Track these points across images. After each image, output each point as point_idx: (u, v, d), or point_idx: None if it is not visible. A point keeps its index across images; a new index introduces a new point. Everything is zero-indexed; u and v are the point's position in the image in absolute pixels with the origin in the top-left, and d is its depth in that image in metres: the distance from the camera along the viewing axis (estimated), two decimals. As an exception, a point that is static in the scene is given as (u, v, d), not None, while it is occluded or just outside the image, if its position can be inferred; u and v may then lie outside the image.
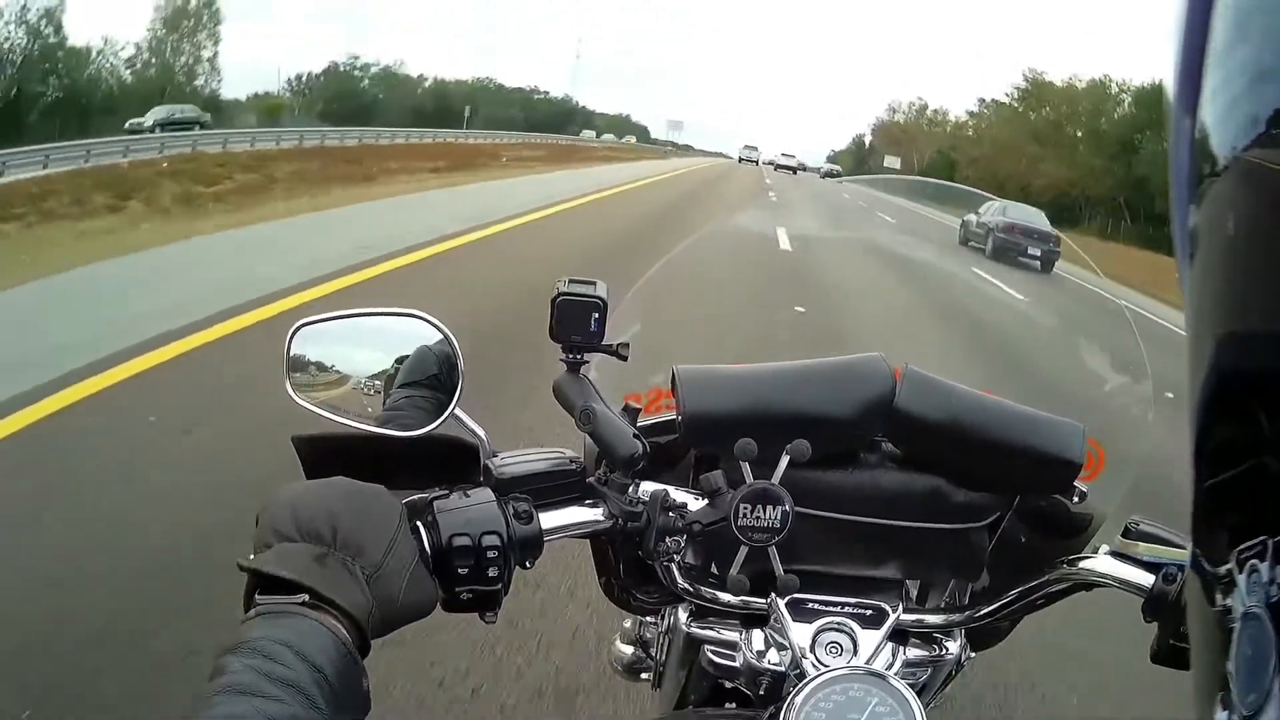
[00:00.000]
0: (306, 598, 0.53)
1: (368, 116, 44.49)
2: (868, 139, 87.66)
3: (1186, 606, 0.27)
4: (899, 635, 0.80)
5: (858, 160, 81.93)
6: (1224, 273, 0.24)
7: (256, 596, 0.54)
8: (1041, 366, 1.32)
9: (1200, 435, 0.25)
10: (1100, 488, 0.85)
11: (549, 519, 0.70)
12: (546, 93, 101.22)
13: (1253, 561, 0.23)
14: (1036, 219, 16.40)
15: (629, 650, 1.31)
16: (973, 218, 15.66)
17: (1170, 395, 0.83)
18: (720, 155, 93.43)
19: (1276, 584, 0.22)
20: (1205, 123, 0.24)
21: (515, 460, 0.73)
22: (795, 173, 57.65)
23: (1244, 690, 0.23)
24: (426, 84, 72.65)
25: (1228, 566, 0.24)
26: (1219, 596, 0.24)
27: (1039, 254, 12.21)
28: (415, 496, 0.66)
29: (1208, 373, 0.24)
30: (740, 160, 66.70)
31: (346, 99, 57.59)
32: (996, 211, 15.77)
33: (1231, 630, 0.24)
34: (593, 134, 75.27)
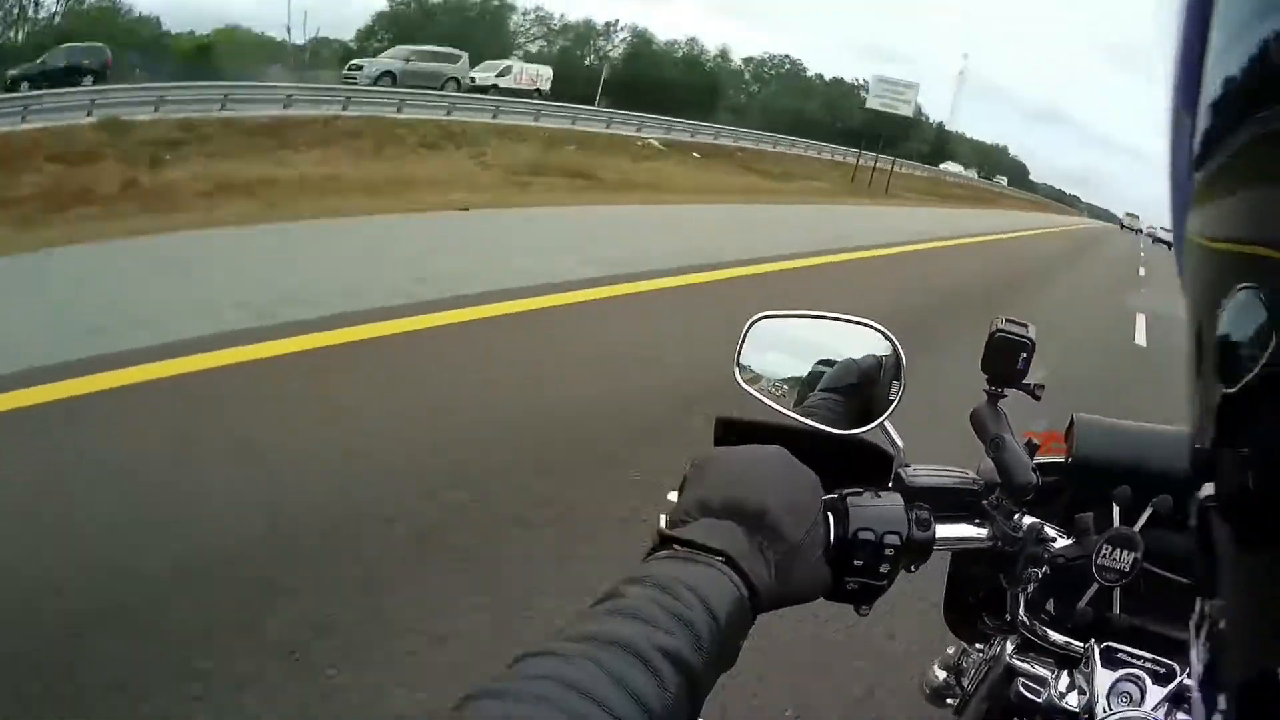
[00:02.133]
0: (724, 559, 0.58)
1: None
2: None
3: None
4: (1178, 699, 0.87)
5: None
6: (1221, 272, 0.25)
7: (675, 546, 0.60)
8: None
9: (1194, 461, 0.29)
10: None
11: (942, 530, 0.80)
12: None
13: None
14: None
15: (942, 675, 1.35)
16: None
17: None
18: (1112, 219, 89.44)
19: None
20: (1203, 122, 0.25)
21: (925, 473, 0.85)
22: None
23: None
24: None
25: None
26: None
27: None
28: (834, 493, 0.75)
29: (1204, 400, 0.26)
30: (1122, 227, 72.18)
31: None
32: None
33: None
34: (958, 166, 69.11)
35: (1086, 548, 0.83)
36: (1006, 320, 0.86)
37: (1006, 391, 0.87)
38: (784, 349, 0.89)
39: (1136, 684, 0.86)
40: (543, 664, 0.46)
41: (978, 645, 1.25)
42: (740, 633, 0.57)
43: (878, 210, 21.56)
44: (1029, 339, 0.85)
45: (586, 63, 48.63)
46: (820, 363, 0.89)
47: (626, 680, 0.46)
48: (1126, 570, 0.82)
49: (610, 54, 50.79)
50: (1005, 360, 0.85)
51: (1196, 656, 0.28)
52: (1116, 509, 0.83)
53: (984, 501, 0.86)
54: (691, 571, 0.56)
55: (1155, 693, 0.85)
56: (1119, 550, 0.82)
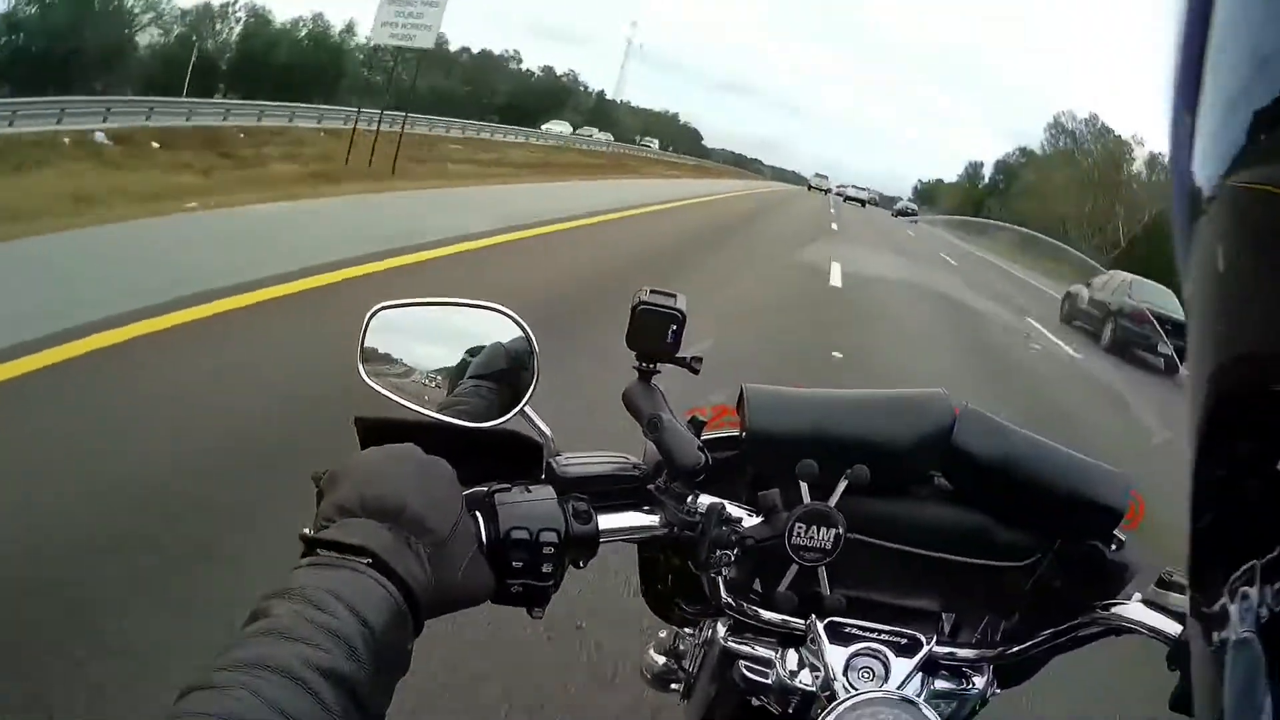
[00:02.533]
0: (369, 561, 0.57)
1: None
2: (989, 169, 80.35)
3: (1190, 652, 0.30)
4: (929, 666, 0.87)
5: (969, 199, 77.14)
6: (1224, 289, 0.26)
7: (318, 551, 0.58)
8: (1091, 416, 1.42)
9: (1196, 480, 0.27)
10: (1139, 538, 0.91)
11: (606, 521, 0.78)
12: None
13: (1243, 589, 0.24)
14: (1170, 304, 13.21)
15: (661, 660, 1.36)
16: (1082, 291, 13.35)
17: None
18: (800, 181, 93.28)
19: (1266, 605, 0.24)
20: (1205, 130, 0.26)
21: (579, 461, 0.81)
22: (864, 206, 58.47)
23: (1238, 717, 0.24)
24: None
25: (1221, 601, 0.25)
26: (1215, 634, 0.26)
27: (1169, 352, 10.23)
28: (477, 488, 0.72)
29: (1201, 410, 0.26)
30: (810, 188, 71.86)
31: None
32: (1118, 289, 12.83)
33: (1225, 662, 0.25)
34: (563, 126, 60.61)
35: (777, 527, 0.81)
36: (651, 291, 0.82)
37: (660, 368, 0.84)
38: (427, 338, 0.85)
39: (877, 658, 0.85)
40: (202, 700, 0.46)
41: (687, 630, 1.27)
42: (401, 636, 0.56)
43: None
44: (678, 310, 0.82)
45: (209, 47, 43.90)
46: (469, 351, 0.84)
47: (285, 707, 0.46)
48: (829, 548, 0.81)
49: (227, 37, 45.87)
50: (653, 334, 0.82)
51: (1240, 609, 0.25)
52: (804, 484, 0.81)
53: (651, 486, 0.83)
54: (338, 579, 0.55)
55: (901, 665, 0.85)
56: (816, 528, 0.80)
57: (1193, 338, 0.26)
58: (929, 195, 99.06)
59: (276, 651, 0.48)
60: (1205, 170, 0.25)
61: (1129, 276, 13.53)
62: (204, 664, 0.47)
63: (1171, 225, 0.28)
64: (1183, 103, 0.26)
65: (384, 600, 0.54)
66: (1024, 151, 68.84)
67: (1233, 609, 0.24)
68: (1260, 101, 0.23)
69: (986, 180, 76.04)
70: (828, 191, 65.75)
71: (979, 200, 72.00)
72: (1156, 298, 12.82)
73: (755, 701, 0.93)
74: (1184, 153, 0.26)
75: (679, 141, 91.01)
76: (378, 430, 0.73)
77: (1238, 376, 0.24)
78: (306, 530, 0.60)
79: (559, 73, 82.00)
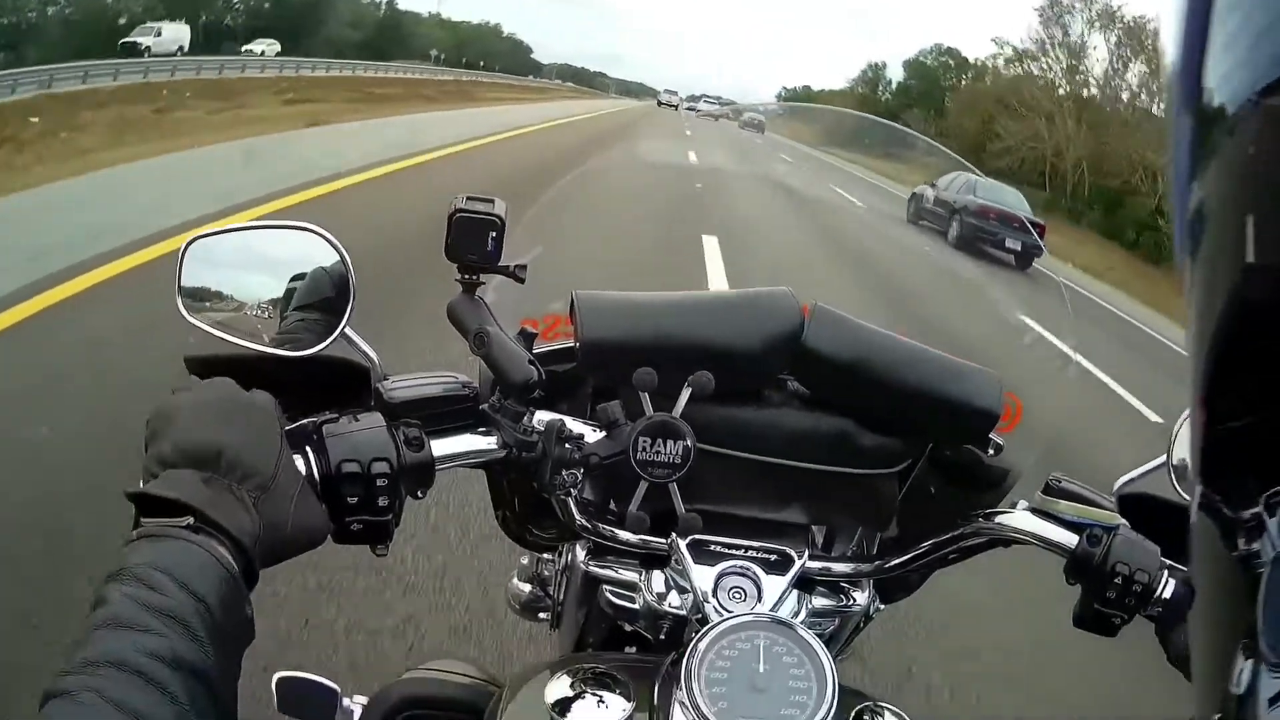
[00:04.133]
0: (191, 520, 0.56)
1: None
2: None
3: (1193, 558, 0.30)
4: (805, 584, 0.85)
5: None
6: (1236, 208, 0.26)
7: (141, 519, 0.57)
8: (961, 313, 1.36)
9: (1208, 381, 0.27)
10: (1017, 441, 0.89)
11: (441, 446, 0.75)
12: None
13: None
14: (1015, 203, 14.15)
15: (526, 588, 1.33)
16: (927, 191, 13.70)
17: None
18: (659, 97, 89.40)
19: None
20: (1207, 101, 0.26)
21: (407, 384, 0.77)
22: (716, 120, 60.76)
23: (1276, 636, 0.24)
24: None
25: (1254, 510, 0.26)
26: (1242, 541, 0.26)
27: (1018, 247, 10.67)
28: (305, 421, 0.70)
29: (1219, 318, 0.26)
30: (659, 104, 71.95)
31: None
32: (963, 188, 13.24)
33: (1259, 575, 0.25)
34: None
35: (620, 441, 0.78)
36: (468, 198, 0.78)
37: (484, 279, 0.80)
38: (247, 267, 0.82)
39: (748, 577, 0.82)
40: (58, 709, 0.46)
41: (547, 556, 1.23)
42: (238, 604, 0.55)
43: None
44: (496, 215, 0.77)
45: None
46: (294, 278, 0.81)
47: (129, 705, 0.46)
48: (678, 462, 0.77)
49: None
50: (473, 243, 0.78)
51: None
52: (645, 395, 0.77)
53: (484, 406, 0.79)
54: (166, 553, 0.53)
55: (773, 583, 0.82)
56: (662, 441, 0.77)
57: (1210, 243, 0.26)
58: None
59: (115, 644, 0.48)
60: (1229, 86, 0.24)
61: (973, 176, 14.01)
62: (59, 665, 0.47)
63: (1170, 143, 0.28)
64: (1183, 103, 0.26)
65: (214, 570, 0.53)
66: (945, 51, 56.57)
67: (1271, 523, 0.24)
68: (1261, 100, 0.23)
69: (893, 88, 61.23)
70: (676, 107, 66.28)
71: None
72: (999, 195, 13.44)
73: (628, 627, 0.90)
74: (1184, 152, 0.26)
75: (501, 58, 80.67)
76: (206, 367, 0.71)
77: (1259, 286, 0.24)
78: (128, 488, 0.58)
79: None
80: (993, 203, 12.64)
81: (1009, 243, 11.20)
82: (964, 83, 49.89)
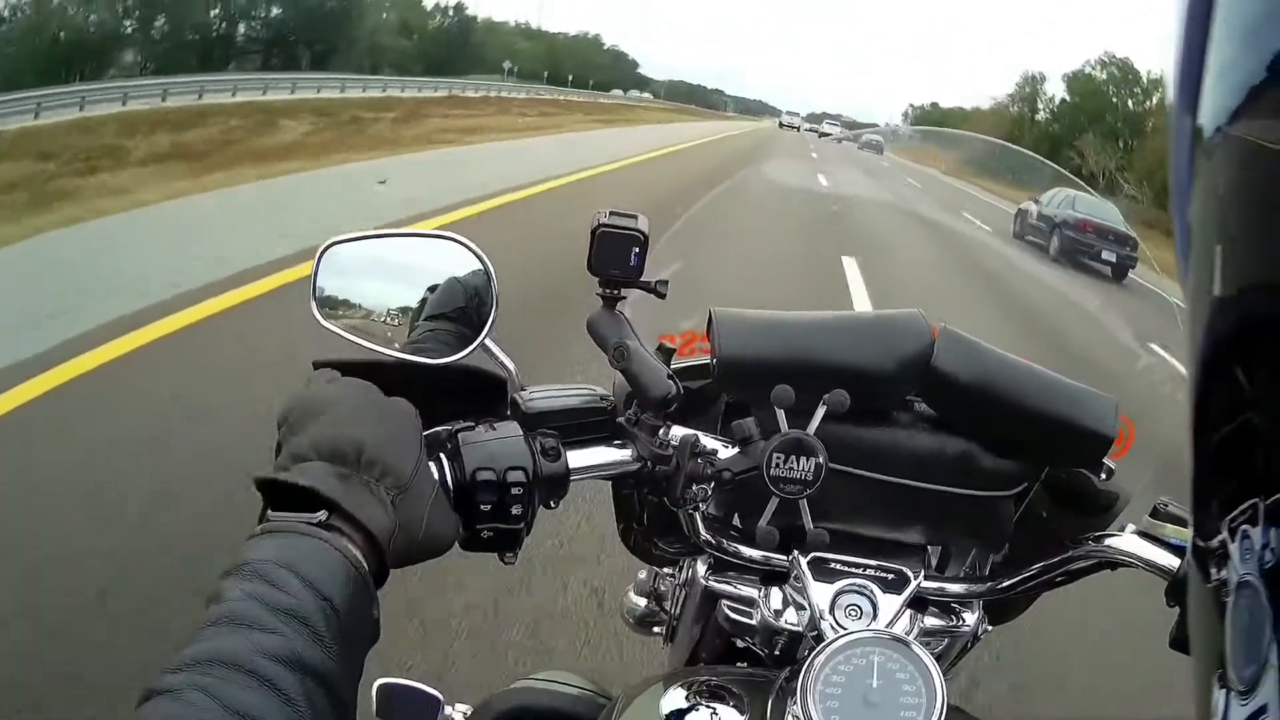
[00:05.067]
0: (325, 515, 0.55)
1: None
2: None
3: (1189, 587, 0.29)
4: (918, 603, 0.85)
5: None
6: (1217, 239, 0.26)
7: (269, 513, 0.56)
8: (1077, 338, 1.38)
9: (1197, 410, 0.27)
10: (1129, 466, 0.90)
11: (576, 458, 0.75)
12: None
13: (1244, 528, 0.24)
14: (1111, 215, 14.88)
15: (643, 603, 1.34)
16: (1031, 207, 14.28)
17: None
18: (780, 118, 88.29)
19: (1270, 548, 0.23)
20: (1204, 118, 0.26)
21: (544, 395, 0.78)
22: (840, 141, 57.91)
23: (1240, 663, 0.24)
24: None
25: (1221, 537, 0.25)
26: (1214, 570, 0.26)
27: (1113, 259, 11.34)
28: (440, 429, 0.70)
29: (1203, 341, 0.26)
30: (781, 125, 72.16)
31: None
32: (1063, 203, 13.78)
33: (1225, 604, 0.25)
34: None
35: (754, 457, 0.77)
36: (611, 213, 0.79)
37: (626, 294, 0.80)
38: (381, 275, 0.82)
39: (865, 595, 0.83)
40: (156, 708, 0.44)
41: (667, 570, 1.25)
42: (365, 605, 0.54)
43: None
44: (639, 231, 0.78)
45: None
46: (429, 288, 0.82)
47: (239, 706, 0.44)
48: (810, 479, 0.77)
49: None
50: (615, 258, 0.78)
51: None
52: (781, 412, 0.77)
53: (621, 419, 0.80)
54: (292, 549, 0.52)
55: (889, 602, 0.82)
56: (795, 458, 0.77)
57: (1193, 269, 0.27)
58: (925, 124, 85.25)
59: (228, 643, 0.46)
60: (1209, 113, 0.25)
61: (1073, 192, 14.40)
62: (165, 661, 0.46)
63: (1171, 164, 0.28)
64: (1183, 103, 0.26)
65: (344, 569, 0.52)
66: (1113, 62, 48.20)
67: (1233, 548, 0.24)
68: (1265, 51, 0.23)
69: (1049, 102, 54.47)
70: (798, 129, 65.19)
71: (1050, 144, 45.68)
72: (1097, 210, 13.98)
73: (740, 643, 0.91)
74: (1184, 152, 0.27)
75: (601, 72, 74.79)
76: (338, 372, 0.72)
77: (1242, 308, 0.24)
78: (258, 473, 0.57)
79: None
80: (1090, 216, 13.13)
81: (1105, 254, 11.72)
82: (1142, 100, 44.27)
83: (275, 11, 41.89)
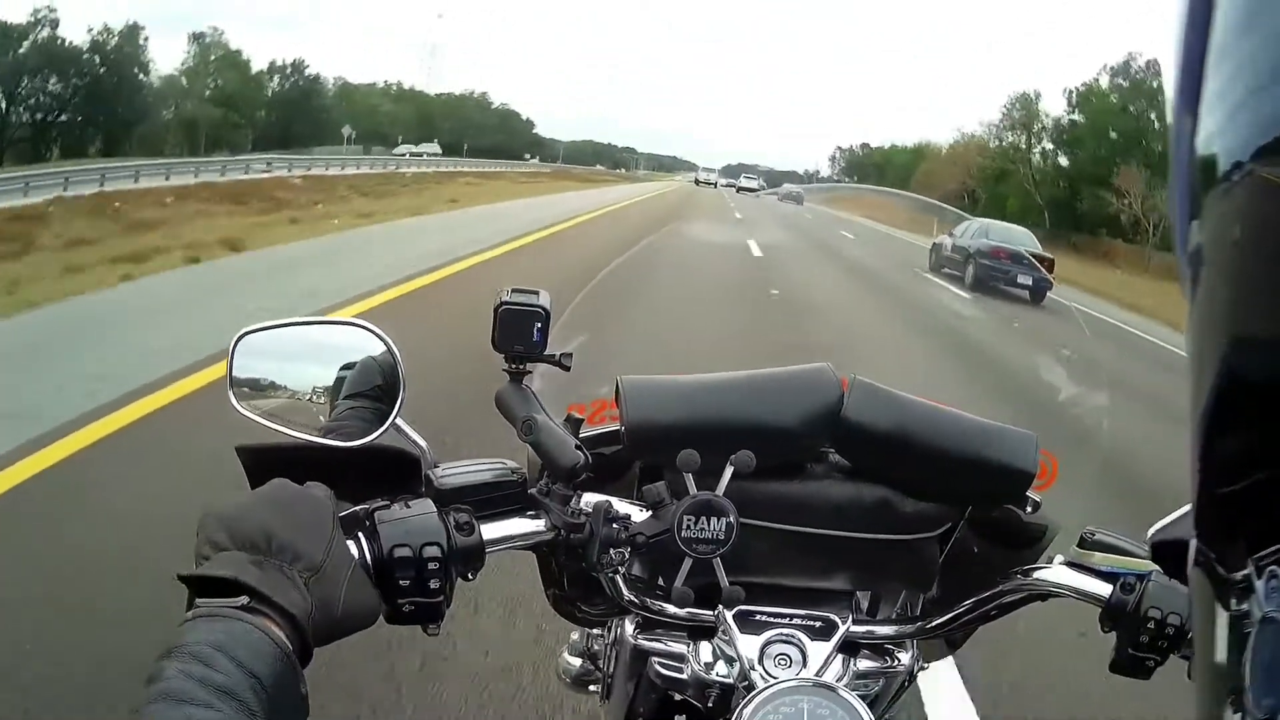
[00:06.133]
0: (245, 600, 0.58)
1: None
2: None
3: (1192, 608, 0.30)
4: (849, 647, 0.87)
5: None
6: (1232, 277, 0.26)
7: (197, 600, 0.59)
8: (995, 376, 1.41)
9: (1204, 441, 0.27)
10: (1054, 498, 0.92)
11: (490, 530, 0.77)
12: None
13: (1272, 568, 0.25)
14: (1024, 240, 15.16)
15: (577, 662, 1.37)
16: (945, 240, 14.89)
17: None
18: (696, 175, 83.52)
19: None
20: (1207, 129, 0.26)
21: (457, 471, 0.80)
22: (756, 194, 57.69)
23: (1261, 693, 0.25)
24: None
25: (1245, 572, 0.26)
26: (1234, 601, 0.27)
27: (1029, 282, 11.64)
28: (358, 508, 0.72)
29: (1214, 379, 0.26)
30: (697, 183, 69.44)
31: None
32: (976, 233, 14.34)
33: (1248, 634, 0.26)
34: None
35: (665, 521, 0.79)
36: (513, 291, 0.82)
37: (531, 368, 0.84)
38: (299, 358, 0.85)
39: (793, 644, 0.85)
40: None
41: (596, 630, 1.27)
42: (292, 682, 0.56)
43: None
44: (540, 307, 0.81)
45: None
46: (344, 367, 0.85)
47: None
48: (722, 539, 0.78)
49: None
50: (519, 334, 0.81)
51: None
52: (688, 475, 0.79)
53: (533, 490, 0.82)
54: (220, 631, 0.55)
55: (818, 649, 0.85)
56: (705, 519, 0.78)
57: (1195, 319, 0.27)
58: (857, 167, 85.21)
59: (172, 716, 0.48)
60: (1220, 156, 0.25)
61: (986, 221, 15.19)
62: None
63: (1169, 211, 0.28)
64: (1183, 106, 0.26)
65: (269, 648, 0.55)
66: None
67: (1259, 584, 0.25)
68: (1264, 106, 0.23)
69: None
70: (714, 185, 65.54)
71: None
72: (1010, 237, 14.39)
73: (677, 697, 0.92)
74: (1184, 152, 0.26)
75: (488, 134, 66.03)
76: (259, 456, 0.75)
77: (1246, 358, 0.25)
78: (181, 571, 0.60)
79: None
80: (1003, 243, 13.57)
81: (1020, 279, 12.01)
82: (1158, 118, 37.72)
83: (52, 86, 35.69)
